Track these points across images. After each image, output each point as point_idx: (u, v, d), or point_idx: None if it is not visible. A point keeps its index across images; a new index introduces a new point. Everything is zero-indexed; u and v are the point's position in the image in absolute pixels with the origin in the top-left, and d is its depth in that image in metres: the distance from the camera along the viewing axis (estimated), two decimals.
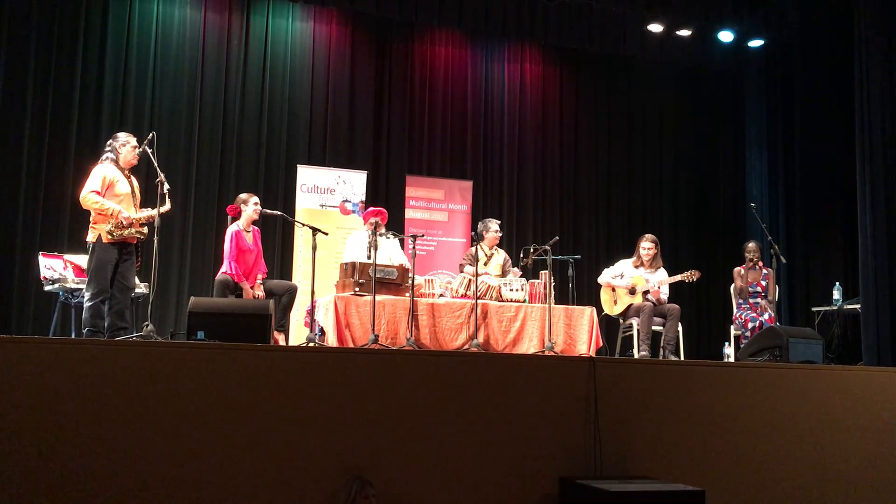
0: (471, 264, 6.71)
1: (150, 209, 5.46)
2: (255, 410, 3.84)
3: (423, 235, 7.30)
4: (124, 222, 5.26)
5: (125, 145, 5.46)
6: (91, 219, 5.37)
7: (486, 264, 6.98)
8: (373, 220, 6.60)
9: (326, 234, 6.05)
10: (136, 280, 5.87)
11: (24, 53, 7.61)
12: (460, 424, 4.16)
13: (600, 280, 7.16)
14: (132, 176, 5.59)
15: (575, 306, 6.49)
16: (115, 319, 5.31)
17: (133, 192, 5.47)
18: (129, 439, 3.63)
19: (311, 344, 5.42)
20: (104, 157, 5.47)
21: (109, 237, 5.26)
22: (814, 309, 8.39)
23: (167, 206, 5.38)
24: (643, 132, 10.26)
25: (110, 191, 5.34)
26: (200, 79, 8.38)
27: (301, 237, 8.01)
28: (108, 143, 5.54)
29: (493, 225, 7.16)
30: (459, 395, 4.20)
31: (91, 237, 5.34)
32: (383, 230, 6.59)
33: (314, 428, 3.91)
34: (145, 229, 5.43)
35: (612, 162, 10.07)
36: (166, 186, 5.33)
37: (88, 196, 5.28)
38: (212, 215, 8.20)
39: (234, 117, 8.50)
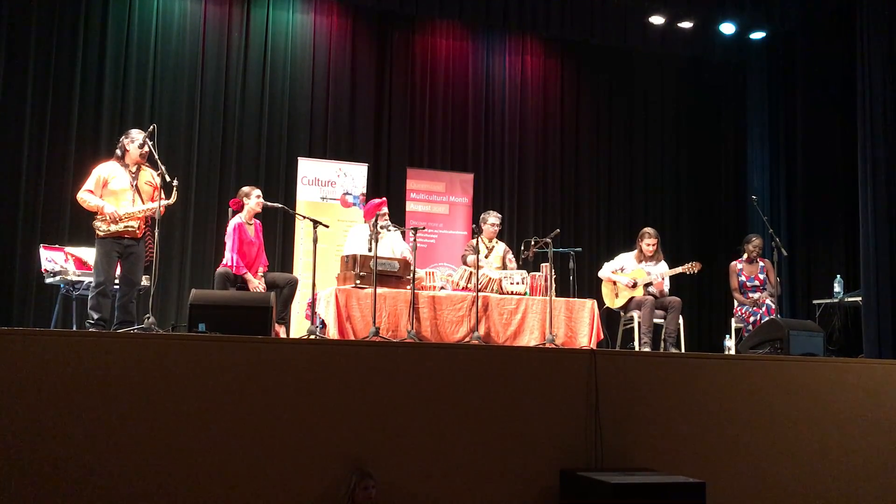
0: (473, 254, 6.70)
1: (151, 203, 5.54)
2: (256, 403, 3.84)
3: (423, 228, 7.30)
4: (109, 217, 5.38)
5: (133, 142, 5.59)
6: None
7: (486, 257, 6.97)
8: (380, 211, 6.58)
9: (327, 226, 6.04)
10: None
11: (25, 45, 7.61)
12: (461, 416, 4.16)
13: (600, 275, 7.15)
14: (147, 170, 5.68)
15: (576, 299, 6.48)
16: (119, 313, 5.48)
17: (136, 187, 5.57)
18: (130, 431, 3.64)
19: (313, 336, 5.42)
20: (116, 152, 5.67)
21: (100, 233, 5.44)
22: (815, 301, 8.38)
23: (171, 199, 5.48)
24: (644, 124, 10.24)
25: (106, 188, 5.51)
26: (201, 71, 8.38)
27: (302, 230, 8.01)
28: (121, 138, 5.68)
29: (491, 217, 7.16)
30: (460, 388, 4.21)
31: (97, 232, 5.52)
32: (386, 221, 6.57)
33: (315, 420, 3.92)
34: (134, 224, 5.48)
35: (613, 154, 10.05)
36: (174, 181, 5.38)
37: (79, 195, 5.52)
38: (213, 208, 8.20)
39: (234, 110, 8.50)
